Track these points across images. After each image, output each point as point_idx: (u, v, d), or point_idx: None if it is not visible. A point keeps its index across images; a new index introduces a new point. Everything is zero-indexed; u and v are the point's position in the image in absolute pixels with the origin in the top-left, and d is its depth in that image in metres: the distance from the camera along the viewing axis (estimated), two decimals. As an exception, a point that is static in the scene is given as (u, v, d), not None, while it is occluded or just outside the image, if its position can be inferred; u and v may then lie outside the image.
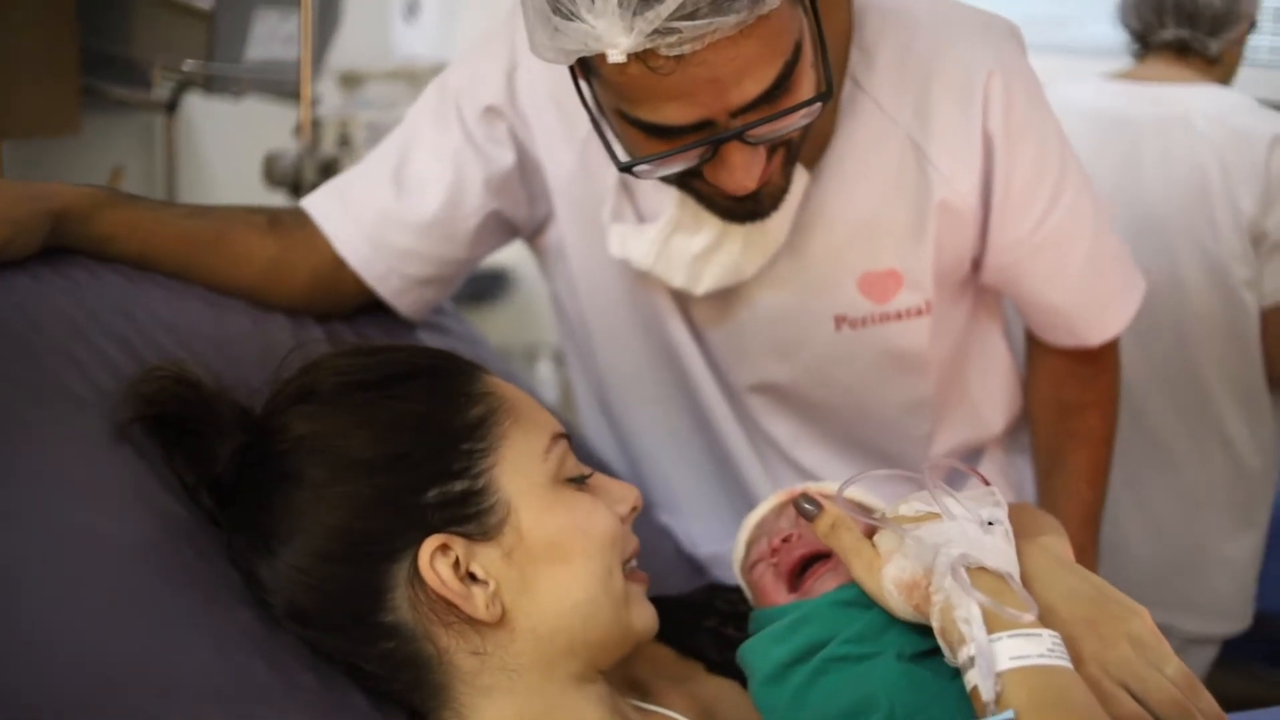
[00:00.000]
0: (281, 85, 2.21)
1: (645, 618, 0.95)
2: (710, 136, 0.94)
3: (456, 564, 0.87)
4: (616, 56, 0.87)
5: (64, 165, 2.11)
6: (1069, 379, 1.35)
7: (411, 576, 0.87)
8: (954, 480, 0.94)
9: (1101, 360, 1.36)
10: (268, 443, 0.90)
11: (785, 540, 1.03)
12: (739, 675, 0.96)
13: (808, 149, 1.13)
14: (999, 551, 0.84)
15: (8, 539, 0.80)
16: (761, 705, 0.90)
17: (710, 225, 1.13)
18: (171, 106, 2.07)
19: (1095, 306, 1.30)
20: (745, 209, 1.06)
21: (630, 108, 0.94)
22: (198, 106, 2.36)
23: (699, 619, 1.09)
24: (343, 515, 0.86)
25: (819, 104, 0.96)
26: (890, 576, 0.85)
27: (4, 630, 0.76)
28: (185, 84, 2.14)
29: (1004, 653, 0.76)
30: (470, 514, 0.88)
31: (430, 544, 0.86)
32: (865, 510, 0.94)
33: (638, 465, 1.42)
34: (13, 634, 0.76)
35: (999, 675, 0.75)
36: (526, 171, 1.24)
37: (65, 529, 0.83)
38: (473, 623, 0.88)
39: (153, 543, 0.86)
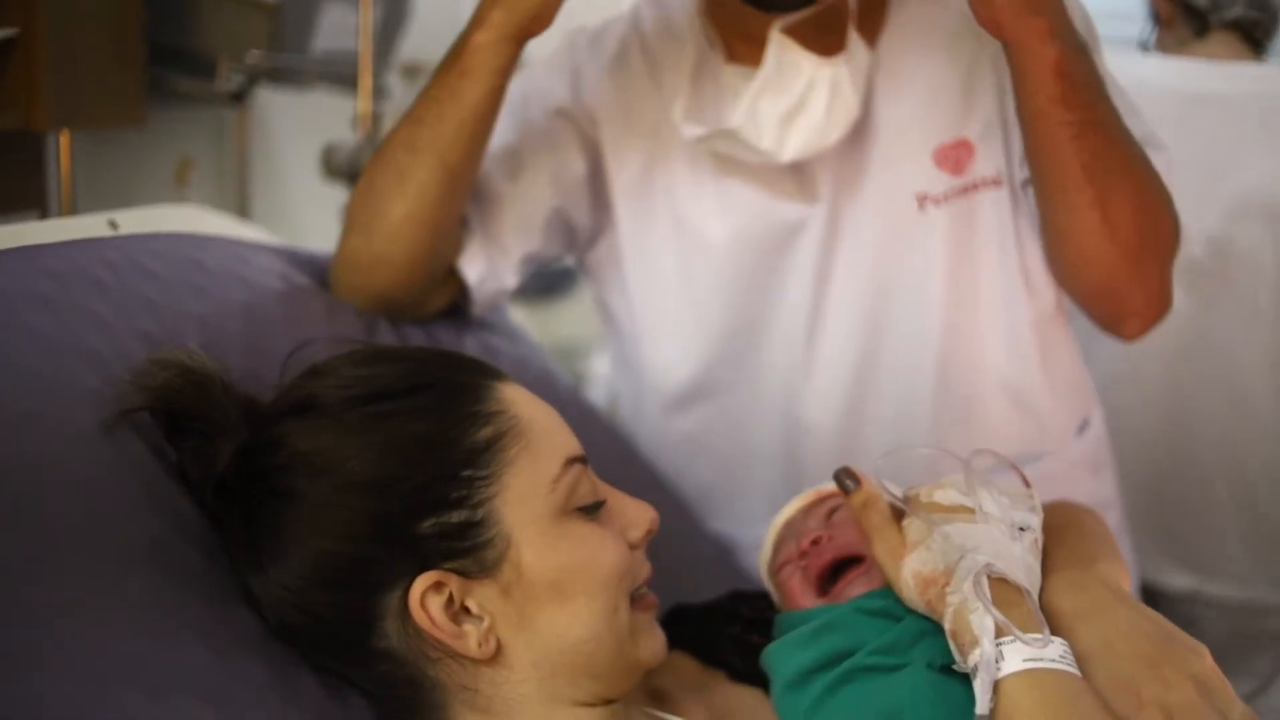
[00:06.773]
0: (348, 77, 2.22)
1: (653, 647, 0.92)
2: None
3: (450, 600, 0.84)
4: None
5: (131, 157, 2.13)
6: None
7: (401, 609, 0.84)
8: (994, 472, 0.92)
9: None
10: (265, 454, 0.87)
11: (815, 542, 0.99)
12: (762, 681, 0.94)
13: (866, 24, 1.20)
14: (1023, 563, 0.82)
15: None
16: (781, 710, 0.89)
17: (795, 84, 1.17)
18: (238, 98, 2.09)
19: None
20: None
21: None
22: (265, 99, 2.38)
23: (723, 626, 1.06)
24: (333, 540, 0.83)
25: None
26: (910, 568, 0.84)
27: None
28: (253, 76, 2.15)
29: (1015, 655, 0.75)
30: (467, 547, 0.84)
31: (422, 583, 0.83)
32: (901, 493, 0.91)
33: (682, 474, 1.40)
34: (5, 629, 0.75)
35: (1006, 678, 0.75)
36: (595, 179, 1.30)
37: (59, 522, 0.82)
38: (463, 659, 0.85)
39: (157, 539, 0.85)
